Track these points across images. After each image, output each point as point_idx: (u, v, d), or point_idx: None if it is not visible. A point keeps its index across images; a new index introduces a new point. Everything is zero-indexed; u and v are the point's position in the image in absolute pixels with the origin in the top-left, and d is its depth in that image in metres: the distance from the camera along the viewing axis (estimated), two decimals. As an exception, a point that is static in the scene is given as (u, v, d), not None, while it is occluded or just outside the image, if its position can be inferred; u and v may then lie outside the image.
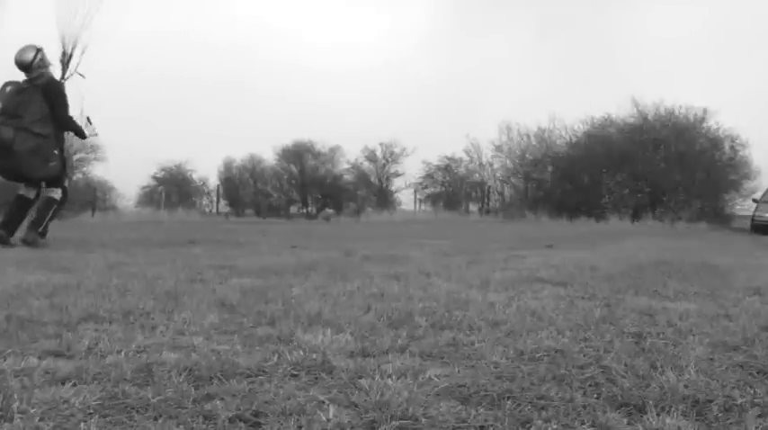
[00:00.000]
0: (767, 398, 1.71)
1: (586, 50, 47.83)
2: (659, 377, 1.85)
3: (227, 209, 30.41)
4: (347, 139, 34.57)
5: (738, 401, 1.67)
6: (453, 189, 31.59)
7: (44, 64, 6.86)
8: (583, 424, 1.52)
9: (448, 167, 31.66)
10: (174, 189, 31.15)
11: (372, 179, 33.47)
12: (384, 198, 32.20)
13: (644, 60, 44.46)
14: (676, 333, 2.55)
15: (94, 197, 26.04)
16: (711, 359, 2.12)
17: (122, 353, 2.03)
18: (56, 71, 7.17)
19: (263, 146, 43.88)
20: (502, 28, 50.41)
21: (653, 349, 2.23)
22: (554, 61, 46.90)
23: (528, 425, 1.51)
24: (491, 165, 30.66)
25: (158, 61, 42.57)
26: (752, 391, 1.76)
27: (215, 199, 30.78)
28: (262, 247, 7.18)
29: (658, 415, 1.57)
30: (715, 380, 1.86)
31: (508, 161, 30.17)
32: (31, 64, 6.76)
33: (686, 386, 1.77)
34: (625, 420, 1.55)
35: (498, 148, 30.05)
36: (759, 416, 1.59)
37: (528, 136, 29.51)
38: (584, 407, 1.62)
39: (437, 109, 45.36)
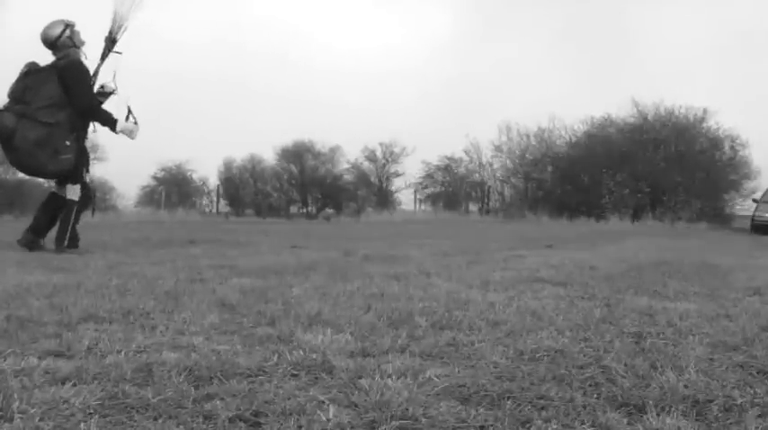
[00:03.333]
0: (767, 398, 1.71)
1: (595, 54, 47.91)
2: (659, 377, 1.85)
3: (227, 209, 30.42)
4: (347, 139, 34.61)
5: (738, 401, 1.67)
6: (453, 189, 31.56)
7: (72, 43, 5.92)
8: (583, 424, 1.52)
9: (448, 167, 31.64)
10: (174, 189, 31.15)
11: (372, 179, 33.45)
12: (384, 198, 32.19)
13: (647, 62, 44.51)
14: (676, 333, 2.55)
15: (94, 197, 26.03)
16: (711, 359, 2.12)
17: (122, 353, 2.03)
18: (95, 51, 6.11)
19: (264, 146, 43.92)
20: (509, 32, 50.51)
21: (653, 349, 2.23)
22: (563, 65, 47.04)
23: (528, 425, 1.51)
24: (491, 165, 30.64)
25: (158, 61, 42.54)
26: (752, 391, 1.76)
27: (215, 199, 30.79)
28: (262, 247, 7.18)
29: (658, 415, 1.57)
30: (715, 380, 1.86)
31: (508, 161, 30.14)
32: (57, 41, 5.84)
33: (686, 386, 1.77)
34: (625, 420, 1.55)
35: (498, 148, 30.02)
36: (759, 416, 1.59)
37: (528, 136, 29.48)
38: (584, 407, 1.62)
39: (438, 110, 45.39)
